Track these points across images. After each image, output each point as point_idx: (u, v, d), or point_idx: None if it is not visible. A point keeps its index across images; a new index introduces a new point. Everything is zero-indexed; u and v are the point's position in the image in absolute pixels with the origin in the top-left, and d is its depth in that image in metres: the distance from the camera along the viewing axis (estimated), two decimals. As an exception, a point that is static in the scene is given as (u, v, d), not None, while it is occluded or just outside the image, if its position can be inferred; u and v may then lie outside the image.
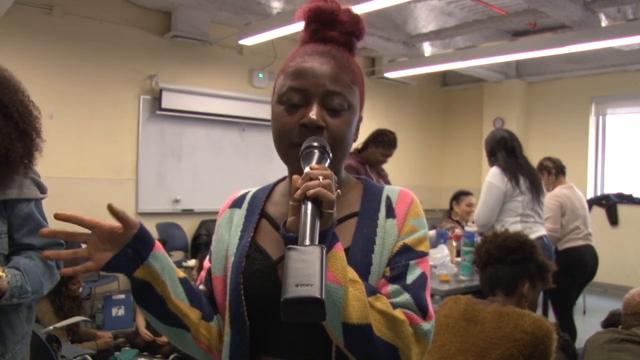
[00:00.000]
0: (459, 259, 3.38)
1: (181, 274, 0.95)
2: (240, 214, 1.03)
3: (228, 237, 1.02)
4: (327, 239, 0.78)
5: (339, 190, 0.81)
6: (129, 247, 0.86)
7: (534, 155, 3.67)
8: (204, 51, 6.11)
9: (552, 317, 4.01)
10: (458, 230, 3.71)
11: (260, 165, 6.33)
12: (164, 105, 5.74)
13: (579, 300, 4.34)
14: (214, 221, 1.09)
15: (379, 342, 0.83)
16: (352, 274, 0.83)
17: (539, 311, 3.11)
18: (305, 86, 0.91)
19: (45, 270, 1.55)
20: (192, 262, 4.86)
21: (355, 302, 0.81)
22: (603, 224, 5.97)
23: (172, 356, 3.76)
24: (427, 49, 6.26)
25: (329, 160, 0.86)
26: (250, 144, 6.46)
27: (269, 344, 0.92)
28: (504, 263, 1.94)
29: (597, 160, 7.30)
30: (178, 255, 5.79)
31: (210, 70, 6.21)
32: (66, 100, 5.23)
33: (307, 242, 0.72)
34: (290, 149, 0.91)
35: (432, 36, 6.01)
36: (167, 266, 0.90)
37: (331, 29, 0.96)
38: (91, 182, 5.32)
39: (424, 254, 0.94)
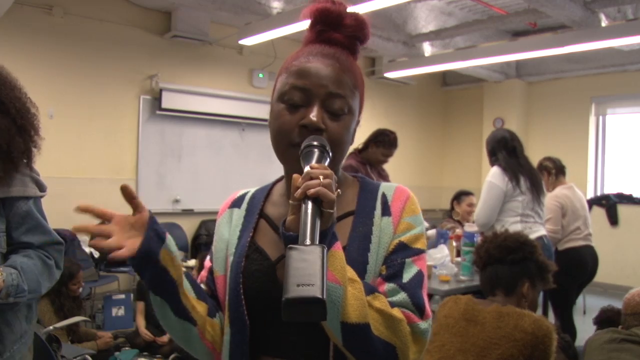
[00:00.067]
0: (459, 259, 3.38)
1: (183, 268, 0.96)
2: (239, 214, 1.03)
3: (228, 236, 1.02)
4: (326, 239, 0.78)
5: (339, 190, 0.81)
6: (149, 229, 0.86)
7: (534, 155, 3.67)
8: (204, 51, 6.11)
9: (552, 317, 4.01)
10: (459, 230, 3.71)
11: (260, 165, 6.33)
12: (164, 105, 5.74)
13: (579, 300, 4.34)
14: (214, 221, 1.09)
15: (377, 341, 0.83)
16: (350, 273, 0.83)
17: (539, 311, 3.11)
18: (308, 86, 0.91)
19: (44, 269, 1.54)
20: (192, 262, 4.85)
21: (354, 301, 0.81)
22: (603, 224, 5.97)
23: (172, 356, 3.76)
24: (427, 49, 6.26)
25: (328, 160, 0.86)
26: (250, 144, 6.46)
27: (268, 344, 0.93)
28: (504, 263, 1.94)
29: (597, 160, 7.30)
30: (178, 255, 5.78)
31: (210, 70, 6.21)
32: (66, 100, 5.23)
33: (308, 241, 0.72)
34: (289, 148, 0.91)
35: (432, 36, 6.01)
36: (177, 251, 0.92)
37: (336, 31, 0.96)
38: (91, 182, 5.32)
39: (421, 251, 0.94)
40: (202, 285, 1.03)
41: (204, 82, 6.08)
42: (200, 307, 0.94)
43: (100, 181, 5.40)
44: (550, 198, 3.91)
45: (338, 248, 0.82)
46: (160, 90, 5.70)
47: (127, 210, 0.89)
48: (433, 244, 3.67)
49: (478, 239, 3.02)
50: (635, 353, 1.95)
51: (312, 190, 0.76)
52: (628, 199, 6.65)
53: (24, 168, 1.56)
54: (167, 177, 5.93)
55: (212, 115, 6.10)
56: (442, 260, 3.28)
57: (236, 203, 1.06)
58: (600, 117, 7.30)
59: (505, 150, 3.34)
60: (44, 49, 5.09)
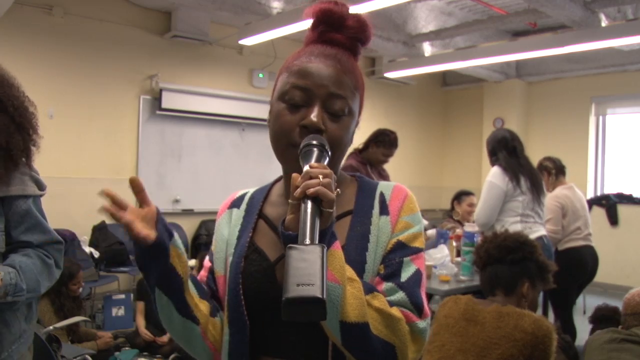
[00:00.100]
0: (459, 259, 3.38)
1: None
2: (238, 214, 1.03)
3: (227, 236, 1.02)
4: (326, 238, 0.78)
5: (338, 189, 0.81)
6: (159, 223, 0.86)
7: (534, 155, 3.67)
8: (204, 51, 6.11)
9: (552, 317, 4.01)
10: (459, 230, 3.71)
11: (260, 165, 6.33)
12: (164, 105, 5.74)
13: (579, 300, 4.34)
14: (214, 221, 1.10)
15: (376, 341, 0.83)
16: (350, 272, 0.83)
17: (539, 311, 3.11)
18: (309, 86, 0.91)
19: (43, 269, 1.53)
20: (192, 262, 4.85)
21: (353, 300, 0.81)
22: (603, 224, 5.98)
23: (172, 356, 3.77)
24: (427, 49, 6.26)
25: (327, 159, 0.86)
26: (250, 144, 6.46)
27: (267, 344, 0.93)
28: (504, 263, 1.94)
29: (597, 160, 7.30)
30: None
31: (210, 70, 6.21)
32: (66, 100, 5.23)
33: (308, 241, 0.72)
34: (289, 148, 0.91)
35: (432, 36, 6.01)
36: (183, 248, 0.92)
37: (338, 32, 0.96)
38: (91, 182, 5.32)
39: (419, 250, 0.94)
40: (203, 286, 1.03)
41: (204, 82, 6.08)
42: (203, 306, 0.94)
43: (100, 181, 5.40)
44: (551, 198, 3.91)
45: (337, 247, 0.82)
46: (160, 90, 5.70)
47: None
48: (433, 244, 3.67)
49: (478, 239, 3.02)
50: (635, 353, 1.95)
51: (311, 190, 0.76)
52: (628, 199, 6.65)
53: (23, 166, 1.56)
54: (167, 177, 5.93)
55: (212, 115, 6.10)
56: (442, 260, 3.28)
57: (235, 203, 1.06)
58: (600, 117, 7.30)
59: (506, 150, 3.34)
60: (44, 49, 5.09)
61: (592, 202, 5.92)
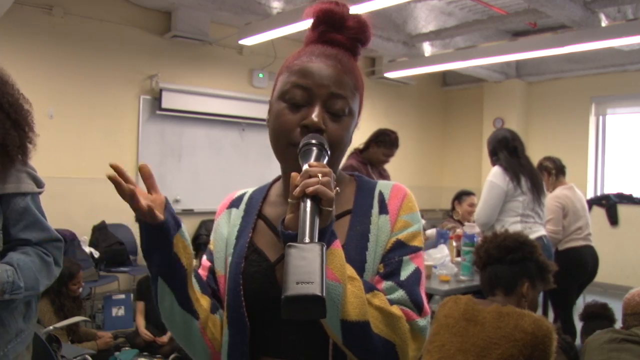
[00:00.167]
0: (459, 259, 3.38)
1: None
2: (237, 214, 1.03)
3: (227, 236, 1.02)
4: (325, 237, 0.78)
5: (337, 188, 0.82)
6: (167, 210, 0.87)
7: (534, 155, 3.67)
8: (204, 51, 6.11)
9: (552, 317, 4.01)
10: (459, 230, 3.71)
11: (260, 165, 6.33)
12: (164, 105, 5.74)
13: (579, 300, 4.33)
14: (214, 221, 1.09)
15: (377, 339, 0.83)
16: (350, 271, 0.83)
17: (539, 311, 3.11)
18: (310, 85, 0.91)
19: (42, 267, 1.53)
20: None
21: (354, 299, 0.81)
22: (603, 224, 5.98)
23: (172, 356, 3.77)
24: (427, 49, 6.26)
25: (327, 158, 0.86)
26: (250, 144, 6.46)
27: (268, 345, 0.93)
28: (503, 263, 1.94)
29: (597, 160, 7.30)
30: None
31: (210, 70, 6.21)
32: (66, 100, 5.23)
33: (307, 239, 0.72)
34: (289, 147, 0.91)
35: (432, 36, 6.01)
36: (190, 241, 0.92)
37: (339, 33, 0.96)
38: (91, 182, 5.32)
39: (418, 249, 0.94)
40: None
41: (204, 82, 6.08)
42: (204, 301, 0.94)
43: (100, 181, 5.38)
44: (551, 199, 3.91)
45: (337, 246, 0.82)
46: (160, 90, 5.70)
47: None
48: (433, 244, 3.67)
49: (478, 239, 3.02)
50: (635, 353, 1.95)
51: (310, 189, 0.76)
52: (628, 199, 6.65)
53: (20, 164, 1.55)
54: (167, 177, 5.93)
55: (212, 115, 6.10)
56: (442, 260, 3.28)
57: (234, 203, 1.06)
58: (600, 117, 7.30)
59: (507, 150, 3.34)
60: (44, 49, 5.09)
61: (592, 202, 5.92)
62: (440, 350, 1.77)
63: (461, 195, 4.40)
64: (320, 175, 0.77)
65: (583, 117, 7.23)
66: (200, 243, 5.91)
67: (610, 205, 6.24)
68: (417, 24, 6.01)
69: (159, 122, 5.84)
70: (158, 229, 0.85)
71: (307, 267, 0.69)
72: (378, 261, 0.92)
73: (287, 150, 0.92)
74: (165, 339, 3.91)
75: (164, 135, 5.90)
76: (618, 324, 3.09)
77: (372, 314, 0.83)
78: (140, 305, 4.10)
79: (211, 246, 1.04)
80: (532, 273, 1.93)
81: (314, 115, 0.89)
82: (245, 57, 6.44)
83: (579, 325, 4.02)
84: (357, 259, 0.89)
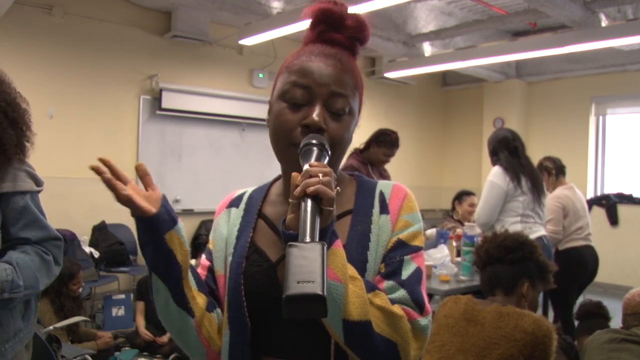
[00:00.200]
0: (459, 259, 3.38)
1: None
2: (237, 214, 1.03)
3: (227, 235, 1.02)
4: (326, 237, 0.79)
5: (338, 188, 0.81)
6: (162, 207, 0.88)
7: (534, 155, 3.67)
8: (204, 51, 6.11)
9: (552, 317, 4.01)
10: (459, 230, 3.71)
11: (260, 165, 6.33)
12: (164, 105, 5.74)
13: (579, 301, 4.33)
14: (213, 221, 1.09)
15: (379, 338, 0.83)
16: (351, 271, 0.83)
17: (539, 311, 3.11)
18: (310, 84, 0.91)
19: (42, 265, 1.53)
20: (192, 262, 4.85)
21: (355, 299, 0.81)
22: (603, 224, 5.97)
23: (172, 356, 3.77)
24: (427, 49, 6.26)
25: (327, 158, 0.86)
26: (250, 144, 6.46)
27: (269, 345, 0.92)
28: (503, 263, 1.94)
29: (597, 160, 7.30)
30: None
31: (210, 70, 6.21)
32: (66, 100, 5.23)
33: (308, 239, 0.72)
34: (289, 148, 0.91)
35: (432, 36, 6.01)
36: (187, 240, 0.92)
37: (338, 32, 0.96)
38: (91, 182, 5.28)
39: (419, 249, 0.94)
40: None
41: (204, 82, 6.08)
42: (200, 299, 0.94)
43: (100, 181, 5.37)
44: (552, 199, 3.91)
45: (338, 246, 0.82)
46: (160, 90, 5.70)
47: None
48: (433, 244, 3.67)
49: (478, 239, 3.02)
50: (635, 353, 1.95)
51: (311, 188, 0.76)
52: (628, 199, 6.64)
53: (18, 163, 1.55)
54: (167, 177, 5.93)
55: (212, 115, 6.10)
56: (442, 260, 3.27)
57: (234, 203, 1.06)
58: (600, 117, 7.30)
59: (507, 150, 3.34)
60: (44, 49, 5.09)
61: (592, 202, 5.91)
62: (440, 350, 1.77)
63: (461, 195, 4.40)
64: (321, 175, 0.77)
65: (583, 117, 7.23)
66: (200, 243, 5.91)
67: (610, 205, 6.24)
68: (417, 24, 6.01)
69: (159, 122, 5.84)
70: (148, 222, 0.85)
71: (308, 266, 0.69)
72: (379, 261, 0.92)
73: (288, 151, 0.92)
74: (165, 339, 3.91)
75: (164, 135, 5.90)
76: (613, 322, 3.10)
77: (374, 313, 0.83)
78: (140, 305, 4.10)
79: (210, 245, 1.04)
80: (532, 273, 1.93)
81: (315, 115, 0.89)
82: (245, 57, 6.44)
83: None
84: (358, 258, 0.90)
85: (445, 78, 8.65)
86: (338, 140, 0.92)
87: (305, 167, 0.80)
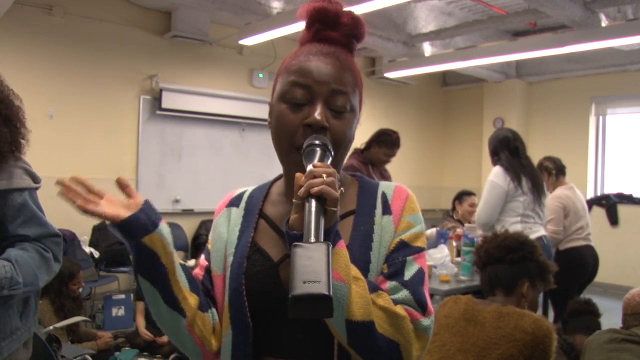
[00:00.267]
0: (459, 259, 3.38)
1: (181, 260, 0.95)
2: (237, 213, 1.03)
3: (226, 235, 1.01)
4: (330, 237, 0.79)
5: (342, 188, 0.82)
6: (141, 212, 0.87)
7: (534, 155, 3.67)
8: (204, 51, 6.11)
9: (552, 317, 4.01)
10: (459, 230, 3.71)
11: (260, 165, 6.33)
12: (164, 105, 5.74)
13: (579, 301, 4.34)
14: (213, 219, 1.09)
15: (381, 339, 0.83)
16: (354, 271, 0.83)
17: (539, 311, 3.11)
18: (310, 83, 0.91)
19: (41, 262, 1.52)
20: (192, 262, 4.85)
21: (358, 299, 0.81)
22: (603, 224, 5.97)
23: (172, 356, 3.76)
24: (427, 49, 6.26)
25: (330, 159, 0.86)
26: (250, 144, 6.46)
27: (271, 345, 0.92)
28: (503, 262, 1.94)
29: (597, 160, 7.30)
30: (178, 255, 5.76)
31: (210, 70, 6.21)
32: (66, 100, 5.23)
33: (313, 239, 0.72)
34: (292, 150, 0.91)
35: (432, 36, 6.01)
36: (172, 242, 0.92)
37: (334, 30, 0.96)
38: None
39: (421, 250, 0.94)
40: None
41: (204, 82, 6.08)
42: (191, 299, 0.93)
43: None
44: (552, 199, 3.91)
45: (342, 246, 0.82)
46: (160, 90, 5.70)
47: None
48: (433, 244, 3.67)
49: (478, 239, 3.02)
50: (635, 353, 1.95)
51: (315, 189, 0.76)
52: (628, 199, 6.64)
53: (15, 160, 1.55)
54: (167, 177, 5.93)
55: (212, 115, 6.10)
56: (442, 260, 3.27)
57: (234, 202, 1.06)
58: (600, 117, 7.30)
59: (508, 150, 3.34)
60: (44, 49, 5.09)
61: (592, 202, 5.91)
62: (440, 350, 1.77)
63: (462, 195, 4.40)
64: (325, 175, 0.78)
65: (583, 117, 7.23)
66: (200, 243, 5.92)
67: (610, 205, 6.23)
68: (417, 24, 6.01)
69: (159, 122, 5.84)
70: (120, 227, 0.86)
71: (314, 266, 0.69)
72: (382, 261, 0.92)
73: (291, 152, 0.92)
74: (165, 339, 3.91)
75: (164, 135, 5.90)
76: (612, 322, 3.10)
77: (377, 314, 0.83)
78: (140, 305, 4.10)
79: (209, 245, 1.04)
80: (532, 273, 1.93)
81: (317, 114, 0.89)
82: (245, 57, 6.44)
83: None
84: (361, 259, 0.90)
85: (445, 78, 8.65)
86: (341, 138, 0.92)
87: (309, 167, 0.80)
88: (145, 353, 3.88)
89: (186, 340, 0.94)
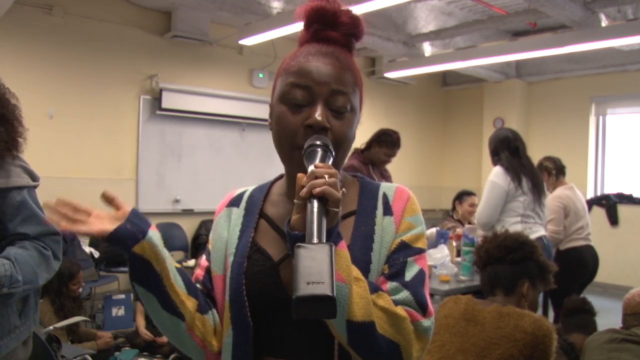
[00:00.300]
0: (459, 259, 3.38)
1: (177, 264, 0.95)
2: (238, 213, 1.03)
3: (227, 235, 1.01)
4: (331, 238, 0.79)
5: (344, 189, 0.82)
6: (127, 222, 0.87)
7: (534, 155, 3.68)
8: (204, 51, 6.11)
9: (552, 317, 4.01)
10: (459, 230, 3.71)
11: (260, 165, 6.33)
12: (164, 105, 5.74)
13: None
14: (213, 219, 1.09)
15: (382, 339, 0.83)
16: (355, 272, 0.83)
17: (539, 311, 3.11)
18: (310, 84, 0.91)
19: (41, 260, 1.52)
20: (192, 262, 4.85)
21: (359, 299, 0.81)
22: (603, 224, 5.96)
23: (172, 356, 3.76)
24: (427, 49, 6.26)
25: (331, 159, 0.86)
26: (250, 144, 6.46)
27: (271, 345, 0.92)
28: (504, 262, 1.94)
29: (597, 160, 7.30)
30: (178, 255, 5.79)
31: (210, 70, 6.21)
32: (66, 100, 5.23)
33: (315, 240, 0.73)
34: (294, 151, 0.91)
35: (432, 36, 6.01)
36: (164, 248, 0.92)
37: (333, 30, 0.96)
38: (91, 182, 5.32)
39: (422, 251, 0.95)
40: (198, 285, 1.02)
41: (204, 82, 6.08)
42: (189, 303, 0.93)
43: (100, 181, 5.40)
44: (553, 199, 3.91)
45: (343, 247, 0.82)
46: (160, 90, 5.70)
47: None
48: (433, 244, 3.67)
49: (478, 239, 3.02)
50: (635, 353, 1.95)
51: (318, 189, 0.76)
52: (628, 199, 6.64)
53: (10, 158, 1.54)
54: (167, 177, 5.93)
55: (212, 115, 6.10)
56: (442, 260, 3.27)
57: (234, 202, 1.06)
58: (600, 117, 7.30)
59: (508, 150, 3.34)
60: (44, 49, 5.09)
61: (592, 202, 5.91)
62: (440, 350, 1.77)
63: (462, 195, 4.40)
64: (327, 176, 0.77)
65: (583, 117, 7.23)
66: (200, 243, 5.92)
67: (610, 205, 6.23)
68: (417, 24, 6.00)
69: (159, 122, 5.84)
70: (109, 240, 0.86)
71: (317, 267, 0.69)
72: (383, 262, 0.92)
73: (292, 153, 0.92)
74: (165, 339, 3.91)
75: (164, 135, 5.90)
76: (611, 322, 3.10)
77: (377, 314, 0.83)
78: (140, 305, 4.10)
79: (209, 246, 1.04)
80: (533, 273, 1.93)
81: (317, 115, 0.89)
82: (245, 57, 6.44)
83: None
84: (362, 259, 0.90)
85: (445, 78, 8.65)
86: (342, 138, 0.92)
87: (311, 168, 0.80)
88: (145, 353, 3.88)
89: (188, 343, 0.95)
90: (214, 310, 0.98)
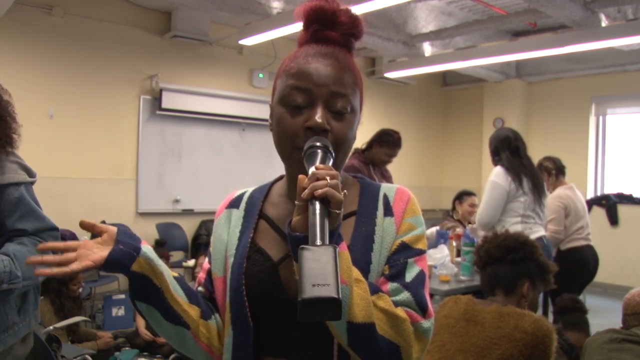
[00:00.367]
0: (459, 259, 3.38)
1: (175, 273, 0.95)
2: (238, 215, 1.03)
3: (227, 237, 1.01)
4: (333, 239, 0.78)
5: (345, 191, 0.82)
6: (118, 243, 0.87)
7: (534, 155, 3.67)
8: (204, 51, 6.11)
9: (552, 317, 4.01)
10: (459, 230, 3.70)
11: (260, 165, 6.33)
12: (164, 105, 5.74)
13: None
14: (214, 221, 1.09)
15: (382, 341, 0.83)
16: (356, 273, 0.83)
17: (539, 311, 3.11)
18: (310, 86, 0.90)
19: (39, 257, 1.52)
20: (192, 262, 4.85)
21: (360, 301, 0.81)
22: (603, 224, 5.97)
23: (172, 356, 3.76)
24: (427, 49, 6.26)
25: (332, 160, 0.86)
26: (250, 144, 6.46)
27: (271, 345, 0.92)
28: (504, 262, 1.94)
29: (597, 160, 7.30)
30: (178, 255, 5.79)
31: (210, 70, 6.21)
32: (66, 100, 5.23)
33: (319, 242, 0.72)
34: (294, 152, 0.91)
35: (432, 36, 6.01)
36: (160, 260, 0.91)
37: (332, 30, 0.95)
38: (91, 182, 5.32)
39: (422, 252, 0.94)
40: (200, 288, 1.03)
41: (204, 82, 6.08)
42: (192, 311, 0.94)
43: (100, 181, 5.40)
44: (553, 199, 3.91)
45: (344, 248, 0.82)
46: (160, 90, 5.71)
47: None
48: (433, 244, 3.67)
49: (478, 239, 3.02)
50: (635, 353, 1.95)
51: (319, 191, 0.76)
52: (628, 199, 6.64)
53: (5, 154, 1.54)
54: (167, 177, 5.93)
55: (212, 115, 6.10)
56: (442, 260, 3.27)
57: (234, 203, 1.06)
58: (600, 117, 7.30)
59: (509, 150, 3.33)
60: (44, 49, 5.09)
61: (592, 202, 5.91)
62: (440, 350, 1.77)
63: (462, 195, 4.39)
64: (328, 177, 0.77)
65: (583, 117, 7.23)
66: (200, 243, 5.92)
67: (610, 205, 6.23)
68: (417, 24, 6.01)
69: (159, 122, 5.84)
70: (106, 268, 0.86)
71: (322, 269, 0.69)
72: (383, 263, 0.92)
73: (293, 155, 0.91)
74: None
75: (164, 135, 5.90)
76: (611, 322, 3.10)
77: (377, 315, 0.83)
78: (140, 305, 4.10)
79: (211, 248, 1.04)
80: (533, 273, 1.93)
81: (317, 117, 0.89)
82: (245, 57, 6.45)
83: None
84: (362, 260, 0.90)
85: (445, 78, 8.65)
86: (342, 140, 0.92)
87: (312, 169, 0.80)
88: (145, 353, 3.88)
89: (195, 350, 0.96)
90: (217, 315, 0.99)
